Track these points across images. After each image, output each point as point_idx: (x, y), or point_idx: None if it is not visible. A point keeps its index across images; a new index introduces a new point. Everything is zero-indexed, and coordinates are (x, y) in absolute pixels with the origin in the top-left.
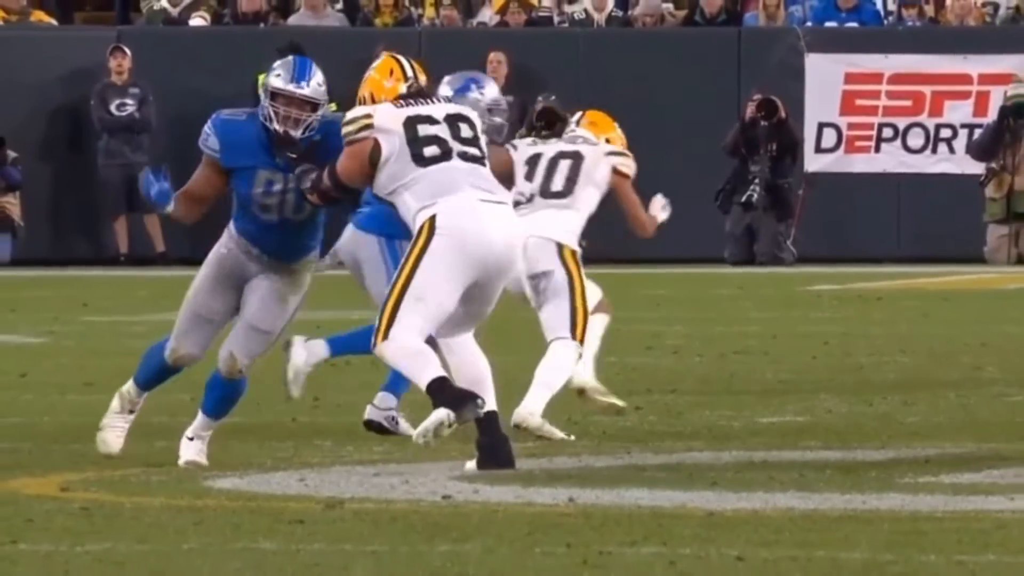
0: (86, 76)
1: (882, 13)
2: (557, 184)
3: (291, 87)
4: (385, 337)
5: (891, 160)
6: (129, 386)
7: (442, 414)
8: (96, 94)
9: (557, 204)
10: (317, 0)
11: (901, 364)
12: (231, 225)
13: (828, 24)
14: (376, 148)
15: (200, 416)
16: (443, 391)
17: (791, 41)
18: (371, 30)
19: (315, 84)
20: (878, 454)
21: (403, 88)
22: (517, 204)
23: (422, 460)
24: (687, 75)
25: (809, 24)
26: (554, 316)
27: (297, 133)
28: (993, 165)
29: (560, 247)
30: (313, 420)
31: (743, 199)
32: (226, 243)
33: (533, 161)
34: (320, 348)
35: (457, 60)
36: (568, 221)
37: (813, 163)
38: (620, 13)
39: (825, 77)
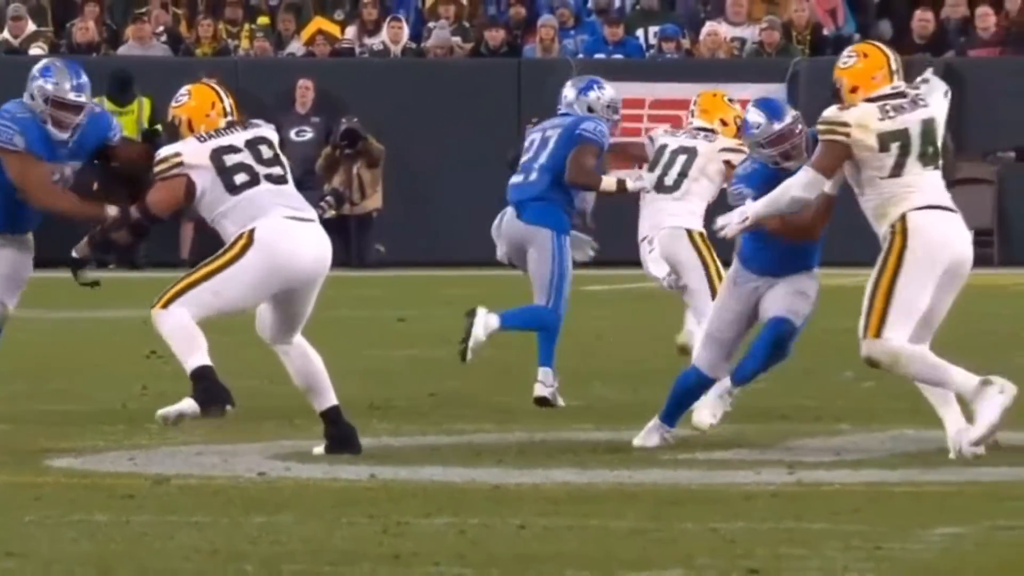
0: None
1: (644, 47)
2: (670, 178)
3: (70, 95)
4: (165, 307)
5: None
6: None
7: (190, 405)
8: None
9: (671, 196)
10: (144, 32)
11: (670, 355)
12: None
13: (597, 56)
14: (190, 184)
15: None
16: (203, 381)
17: (565, 71)
18: (192, 60)
19: (87, 91)
20: (632, 433)
21: (222, 123)
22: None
23: (240, 442)
24: (472, 101)
25: (580, 56)
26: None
27: (66, 135)
28: None
29: (689, 233)
30: (141, 406)
31: None
32: None
33: (659, 153)
34: (494, 321)
35: (269, 86)
36: (687, 207)
37: None
38: (414, 45)
39: None
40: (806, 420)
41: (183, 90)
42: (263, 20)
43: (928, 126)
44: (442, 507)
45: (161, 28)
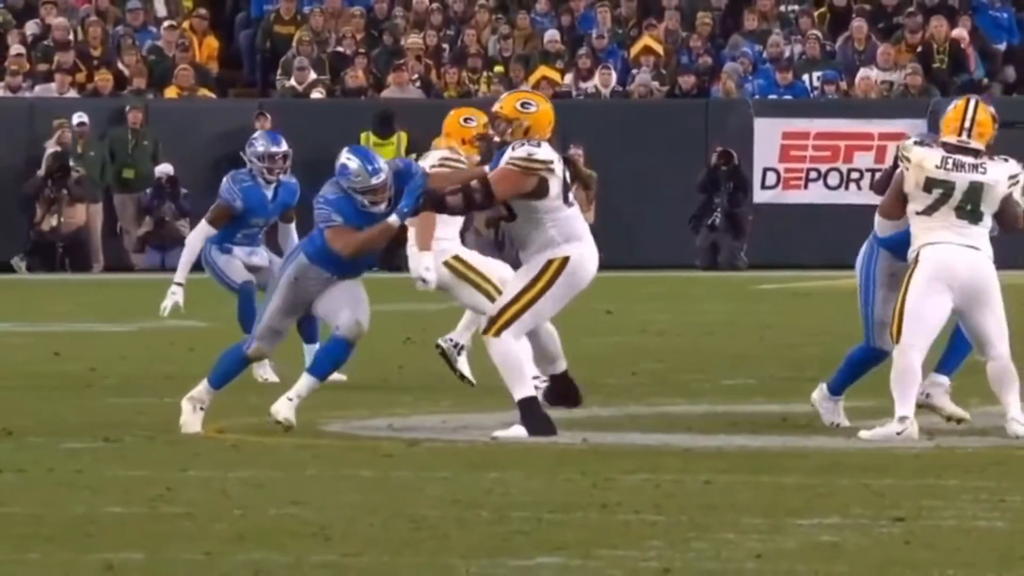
0: (238, 134)
1: (809, 88)
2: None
3: (372, 181)
4: (497, 335)
5: (816, 194)
6: None
7: (521, 432)
8: (248, 143)
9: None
10: (402, 79)
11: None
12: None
13: (770, 96)
14: (543, 185)
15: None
16: (530, 411)
17: (744, 109)
18: (442, 101)
19: (383, 171)
20: (807, 406)
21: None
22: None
23: (476, 412)
24: (667, 134)
25: (757, 96)
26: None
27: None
28: None
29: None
30: (399, 383)
31: (709, 222)
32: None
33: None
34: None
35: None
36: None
37: (759, 197)
38: (620, 88)
39: (768, 134)
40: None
41: (530, 100)
42: (498, 69)
43: (975, 187)
44: (641, 466)
45: (416, 76)
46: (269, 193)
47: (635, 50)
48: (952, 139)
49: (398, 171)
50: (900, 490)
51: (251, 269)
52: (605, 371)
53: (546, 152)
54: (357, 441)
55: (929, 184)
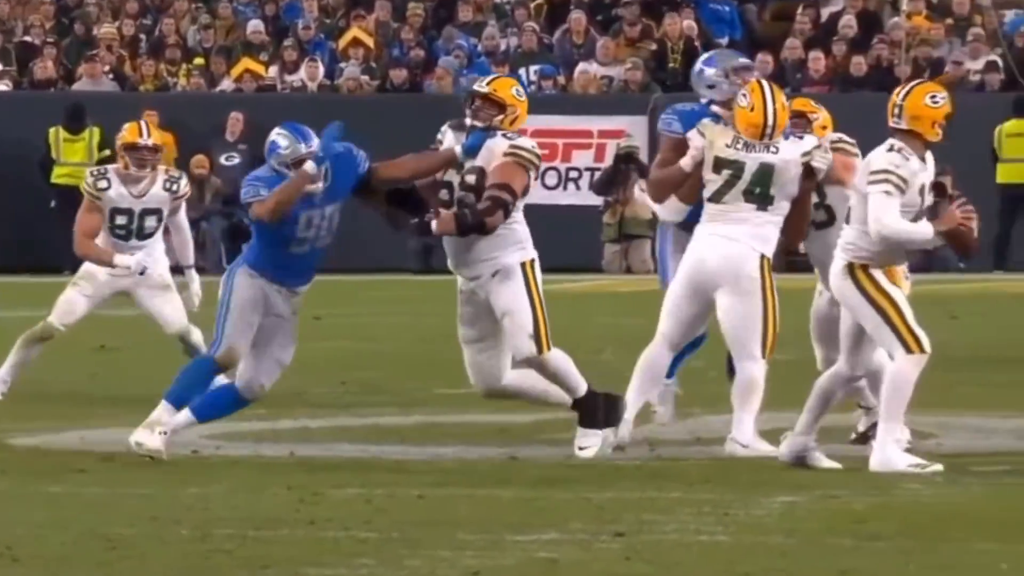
0: None
1: (525, 83)
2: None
3: (302, 149)
4: (551, 350)
5: (533, 194)
6: None
7: (604, 438)
8: None
9: None
10: (95, 70)
11: None
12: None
13: None
14: (529, 183)
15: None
16: (602, 407)
17: (458, 104)
18: (137, 94)
19: (311, 138)
20: (530, 416)
21: None
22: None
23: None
24: (378, 131)
25: None
26: None
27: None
28: (609, 198)
29: None
30: (91, 392)
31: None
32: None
33: None
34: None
35: (204, 118)
36: None
37: None
38: (328, 82)
39: None
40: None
41: (520, 88)
42: (198, 61)
43: (766, 169)
44: (351, 480)
45: (109, 67)
46: None
47: (343, 42)
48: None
49: (339, 156)
50: (621, 503)
51: None
52: (313, 380)
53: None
54: (47, 455)
55: (718, 164)
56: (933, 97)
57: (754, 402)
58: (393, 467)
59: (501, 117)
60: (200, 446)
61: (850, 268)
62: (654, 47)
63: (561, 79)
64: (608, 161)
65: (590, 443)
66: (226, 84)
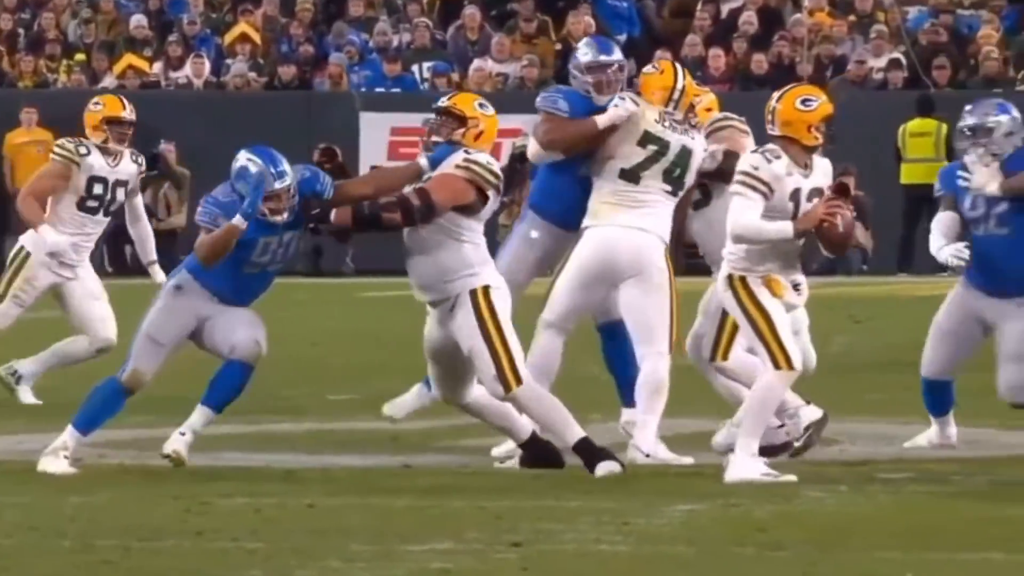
0: None
1: (419, 81)
2: None
3: (276, 184)
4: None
5: None
6: None
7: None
8: None
9: None
10: None
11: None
12: None
13: (378, 89)
14: (483, 201)
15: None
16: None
17: (349, 102)
18: (15, 91)
19: (288, 174)
20: (422, 423)
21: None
22: None
23: (58, 431)
24: (267, 128)
25: (363, 89)
26: None
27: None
28: (504, 199)
29: None
30: None
31: (311, 225)
32: None
33: None
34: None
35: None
36: None
37: None
38: (215, 79)
39: (375, 130)
40: None
41: (485, 102)
42: (80, 56)
43: (686, 151)
44: (239, 489)
45: None
46: None
47: (230, 37)
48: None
49: (304, 179)
50: (518, 512)
51: None
52: (200, 385)
53: (498, 166)
54: None
55: (646, 139)
56: (805, 101)
57: (659, 404)
58: (283, 476)
59: (463, 131)
60: (83, 454)
61: (730, 279)
62: (559, 46)
63: (456, 76)
64: (504, 161)
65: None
66: (108, 81)
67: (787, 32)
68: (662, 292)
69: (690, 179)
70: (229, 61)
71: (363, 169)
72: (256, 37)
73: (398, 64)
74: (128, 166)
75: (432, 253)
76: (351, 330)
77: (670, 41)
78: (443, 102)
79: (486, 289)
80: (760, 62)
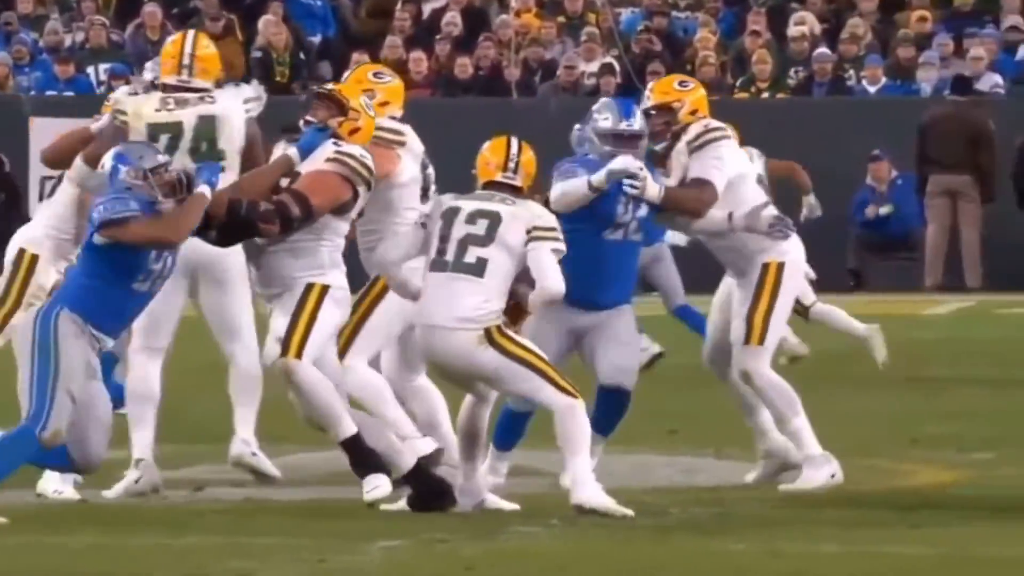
0: None
1: (95, 83)
2: None
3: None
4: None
5: None
6: None
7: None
8: None
9: None
10: None
11: None
12: None
13: (50, 92)
14: (355, 199)
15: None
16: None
17: (17, 106)
18: None
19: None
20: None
21: None
22: None
23: None
24: None
25: (33, 93)
26: None
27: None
28: None
29: None
30: None
31: None
32: None
33: None
34: None
35: None
36: None
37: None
38: None
39: (47, 137)
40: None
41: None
42: None
43: (207, 120)
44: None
45: None
46: None
47: None
48: (172, 79)
49: (199, 169)
50: (205, 549)
51: None
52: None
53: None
54: None
55: (154, 131)
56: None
57: (253, 400)
58: None
59: (340, 120)
60: None
61: (487, 333)
62: (260, 54)
63: (136, 78)
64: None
65: (374, 485)
66: None
67: (492, 34)
68: (236, 290)
69: (232, 144)
70: None
71: (33, 180)
72: None
73: (71, 65)
74: None
75: (286, 252)
76: None
77: (368, 43)
78: (325, 87)
79: (325, 288)
80: (465, 66)
